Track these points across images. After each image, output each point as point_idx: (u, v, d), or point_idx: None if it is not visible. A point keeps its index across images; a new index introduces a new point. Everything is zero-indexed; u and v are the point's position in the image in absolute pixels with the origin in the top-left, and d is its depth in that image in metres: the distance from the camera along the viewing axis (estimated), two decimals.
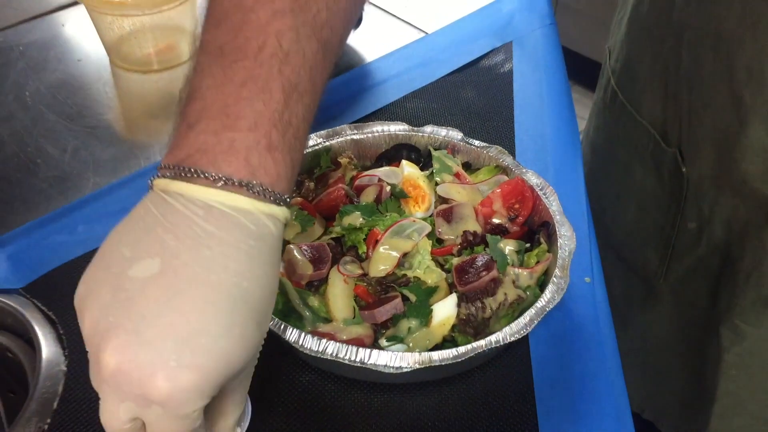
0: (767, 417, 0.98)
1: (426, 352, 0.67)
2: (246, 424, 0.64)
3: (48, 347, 0.76)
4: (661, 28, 0.85)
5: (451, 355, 0.67)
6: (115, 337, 0.45)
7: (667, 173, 0.89)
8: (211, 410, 0.53)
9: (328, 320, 0.74)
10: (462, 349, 0.67)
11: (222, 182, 0.48)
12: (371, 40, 1.25)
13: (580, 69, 2.70)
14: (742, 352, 0.92)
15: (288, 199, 0.52)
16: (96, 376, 0.47)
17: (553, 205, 0.82)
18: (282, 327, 0.68)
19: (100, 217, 0.90)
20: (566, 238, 0.78)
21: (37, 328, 0.78)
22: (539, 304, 0.71)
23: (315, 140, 0.89)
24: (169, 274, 0.46)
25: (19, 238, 0.87)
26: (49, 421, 0.70)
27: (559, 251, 0.77)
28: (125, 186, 0.95)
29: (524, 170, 0.86)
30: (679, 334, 0.99)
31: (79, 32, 1.25)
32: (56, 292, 0.81)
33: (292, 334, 0.68)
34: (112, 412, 0.47)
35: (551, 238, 0.80)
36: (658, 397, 1.08)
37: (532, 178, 0.85)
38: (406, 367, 0.66)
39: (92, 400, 0.72)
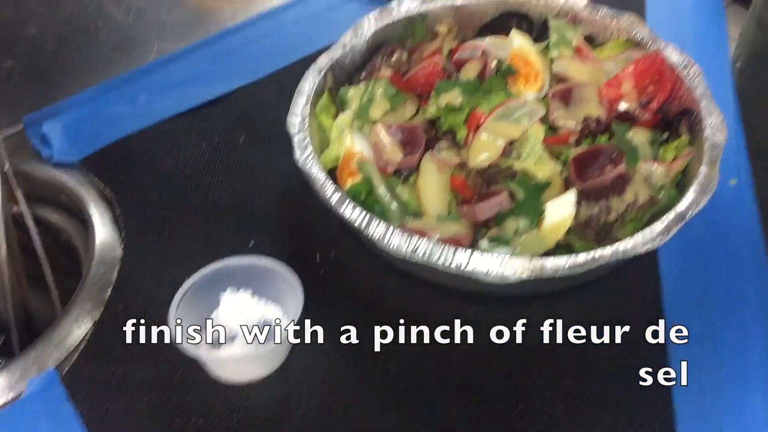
0: None
1: (537, 259, 0.55)
2: (299, 309, 0.58)
3: (103, 230, 0.68)
4: None
5: (567, 264, 0.56)
6: None
7: None
8: None
9: (418, 215, 0.64)
10: (581, 257, 0.56)
11: None
12: None
13: None
14: None
15: None
16: None
17: (698, 88, 0.68)
18: (366, 220, 0.58)
19: (164, 87, 0.83)
20: (714, 128, 0.64)
21: (92, 208, 0.70)
22: (680, 208, 0.58)
23: (409, 5, 0.78)
24: None
25: (75, 108, 0.80)
26: (101, 310, 0.62)
27: (705, 144, 0.62)
28: (192, 54, 0.87)
29: (663, 44, 0.72)
30: None
31: None
32: (114, 169, 0.74)
33: (377, 230, 0.57)
34: None
35: (694, 128, 0.67)
36: None
37: (673, 55, 0.71)
38: (511, 276, 0.55)
39: (146, 289, 0.64)
